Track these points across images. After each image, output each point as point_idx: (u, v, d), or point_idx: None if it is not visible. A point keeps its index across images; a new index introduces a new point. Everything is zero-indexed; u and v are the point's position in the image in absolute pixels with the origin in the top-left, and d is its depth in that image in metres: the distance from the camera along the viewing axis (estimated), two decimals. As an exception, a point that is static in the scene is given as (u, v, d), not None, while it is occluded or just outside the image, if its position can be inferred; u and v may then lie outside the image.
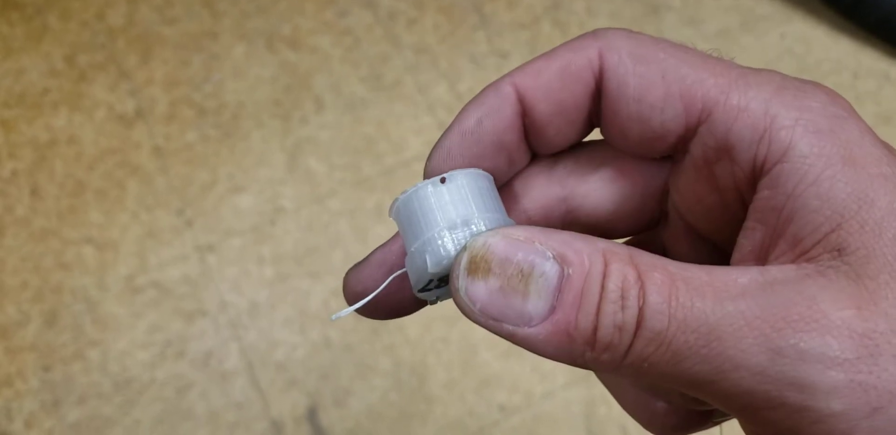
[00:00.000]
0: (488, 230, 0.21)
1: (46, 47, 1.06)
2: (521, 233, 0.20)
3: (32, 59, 1.05)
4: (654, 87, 0.21)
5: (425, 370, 0.91)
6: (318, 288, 0.94)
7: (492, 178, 0.23)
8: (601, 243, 0.20)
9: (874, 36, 1.07)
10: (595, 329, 0.19)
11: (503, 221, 0.22)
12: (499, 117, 0.22)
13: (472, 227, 0.21)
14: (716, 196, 0.22)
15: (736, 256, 0.21)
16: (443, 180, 0.22)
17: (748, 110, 0.20)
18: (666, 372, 0.18)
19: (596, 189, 0.24)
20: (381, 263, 0.24)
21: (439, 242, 0.21)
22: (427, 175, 0.23)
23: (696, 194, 0.23)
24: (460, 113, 0.23)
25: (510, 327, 0.20)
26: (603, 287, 0.19)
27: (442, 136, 0.23)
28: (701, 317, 0.18)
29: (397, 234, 0.24)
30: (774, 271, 0.19)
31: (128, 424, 0.88)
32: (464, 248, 0.20)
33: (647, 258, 0.19)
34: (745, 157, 0.20)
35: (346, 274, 0.25)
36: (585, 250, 0.19)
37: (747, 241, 0.20)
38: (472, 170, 0.22)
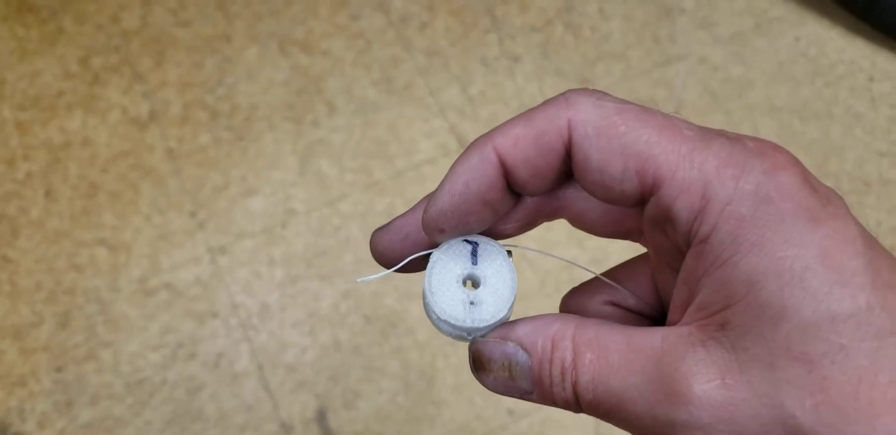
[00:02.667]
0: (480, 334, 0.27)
1: (61, 50, 1.07)
2: (496, 334, 0.27)
3: (47, 61, 1.06)
4: (613, 161, 0.24)
5: (434, 373, 0.91)
6: (328, 290, 0.94)
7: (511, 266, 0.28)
8: (553, 327, 0.26)
9: (890, 38, 1.06)
10: (556, 401, 0.26)
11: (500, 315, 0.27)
12: (483, 181, 0.26)
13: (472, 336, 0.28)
14: (668, 244, 0.25)
15: (672, 303, 0.25)
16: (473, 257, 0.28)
17: (688, 192, 0.23)
18: (609, 421, 0.25)
19: (583, 197, 0.28)
20: (400, 229, 0.29)
21: (450, 328, 0.28)
22: (423, 225, 0.27)
23: (654, 239, 0.26)
24: (450, 173, 0.26)
25: (519, 396, 0.27)
26: (550, 374, 0.25)
27: (436, 193, 0.27)
28: (611, 391, 0.24)
29: (418, 203, 0.28)
30: (674, 341, 0.23)
31: (139, 425, 0.89)
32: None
33: (587, 333, 0.25)
34: (682, 230, 0.23)
35: (372, 234, 0.30)
36: (539, 340, 0.26)
37: (676, 296, 0.25)
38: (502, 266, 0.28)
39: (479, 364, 0.27)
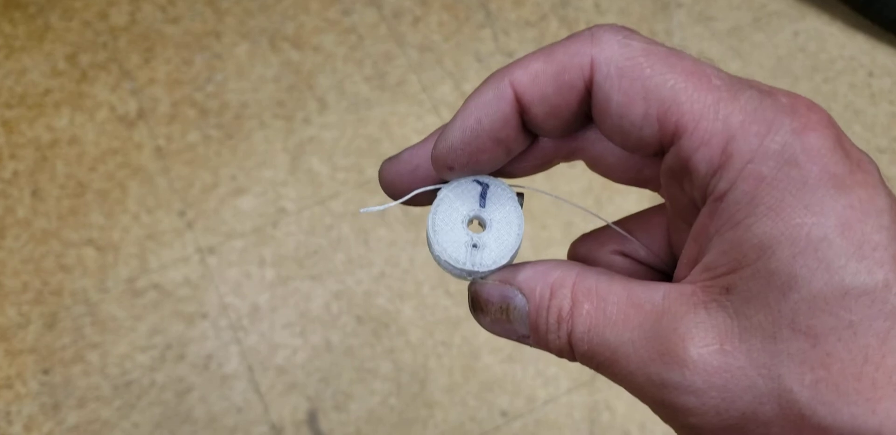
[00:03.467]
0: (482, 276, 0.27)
1: (48, 47, 1.05)
2: (498, 277, 0.26)
3: (34, 58, 1.04)
4: (635, 106, 0.22)
5: (426, 374, 0.89)
6: (319, 291, 0.93)
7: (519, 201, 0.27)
8: (553, 274, 0.25)
9: (890, 33, 1.04)
10: (551, 348, 0.25)
11: (506, 256, 0.27)
12: (497, 117, 0.24)
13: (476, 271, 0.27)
14: (684, 198, 0.24)
15: (681, 259, 0.25)
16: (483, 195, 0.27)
17: (709, 145, 0.21)
18: (603, 374, 0.24)
19: (602, 139, 0.26)
20: (409, 161, 0.27)
21: (450, 268, 0.27)
22: (432, 161, 0.26)
23: (671, 191, 0.25)
24: (463, 108, 0.25)
25: (516, 339, 0.26)
26: (547, 321, 0.24)
27: (446, 128, 0.25)
28: (607, 344, 0.23)
29: (431, 134, 0.27)
30: (675, 299, 0.22)
31: (127, 428, 0.87)
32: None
33: (587, 283, 0.24)
34: (699, 185, 0.22)
35: (382, 164, 0.28)
36: (539, 286, 0.25)
37: (686, 252, 0.24)
38: (509, 199, 0.27)
39: (477, 305, 0.26)
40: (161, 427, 0.87)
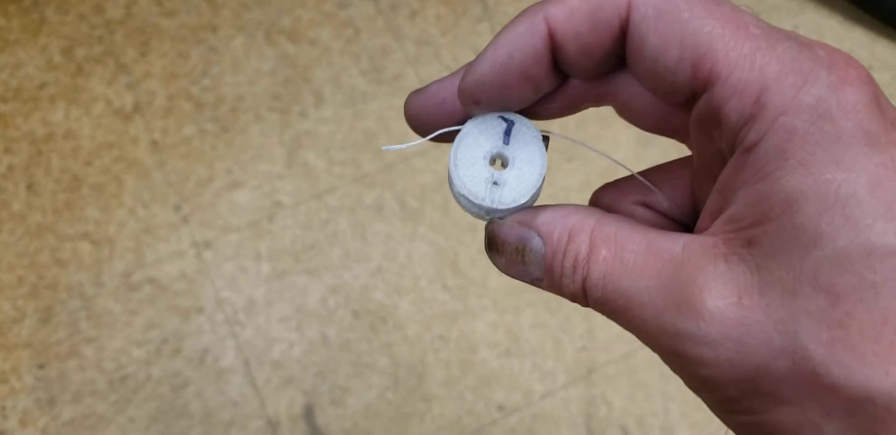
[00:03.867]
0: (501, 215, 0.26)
1: (43, 40, 1.05)
2: (517, 218, 0.26)
3: (29, 52, 1.04)
4: (670, 49, 0.22)
5: (424, 369, 0.89)
6: (315, 285, 0.92)
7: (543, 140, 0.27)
8: (572, 219, 0.25)
9: (889, 26, 1.04)
10: (564, 293, 0.25)
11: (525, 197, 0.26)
12: (528, 53, 0.24)
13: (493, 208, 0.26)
14: (713, 148, 0.24)
15: (704, 210, 0.24)
16: (507, 135, 0.26)
17: (742, 95, 0.21)
18: (615, 321, 0.24)
19: (634, 84, 0.26)
20: (436, 94, 0.27)
21: (469, 205, 0.27)
22: (459, 94, 0.26)
23: (699, 141, 0.25)
24: (494, 41, 0.24)
25: (530, 281, 0.26)
26: (563, 265, 0.24)
27: (476, 60, 0.25)
28: (622, 291, 0.23)
29: (460, 69, 0.26)
30: (696, 249, 0.22)
31: (122, 423, 0.87)
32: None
33: (606, 229, 0.24)
34: (728, 135, 0.22)
35: (408, 97, 0.27)
36: (557, 229, 0.25)
37: (710, 203, 0.23)
38: (533, 136, 0.26)
39: (493, 245, 0.26)
40: (157, 422, 0.87)
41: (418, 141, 0.28)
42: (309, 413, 0.87)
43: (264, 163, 0.98)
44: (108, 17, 1.06)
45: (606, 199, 0.29)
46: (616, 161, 0.29)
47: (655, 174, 0.29)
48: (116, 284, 0.92)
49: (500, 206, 0.26)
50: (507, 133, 0.26)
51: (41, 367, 0.89)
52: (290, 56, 1.03)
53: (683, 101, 0.24)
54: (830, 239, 0.19)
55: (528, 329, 0.90)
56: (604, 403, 0.87)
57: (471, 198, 0.26)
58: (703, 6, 0.22)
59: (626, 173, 0.29)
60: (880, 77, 1.02)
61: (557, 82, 0.26)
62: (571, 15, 0.23)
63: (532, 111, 0.27)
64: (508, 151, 0.26)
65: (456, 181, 0.26)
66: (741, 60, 0.21)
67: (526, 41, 0.24)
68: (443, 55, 1.03)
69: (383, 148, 0.27)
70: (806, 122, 0.20)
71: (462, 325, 0.90)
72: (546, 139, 0.27)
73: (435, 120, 0.27)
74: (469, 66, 0.25)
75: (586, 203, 0.29)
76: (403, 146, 0.28)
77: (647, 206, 0.28)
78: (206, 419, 0.87)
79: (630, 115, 0.27)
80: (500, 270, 0.27)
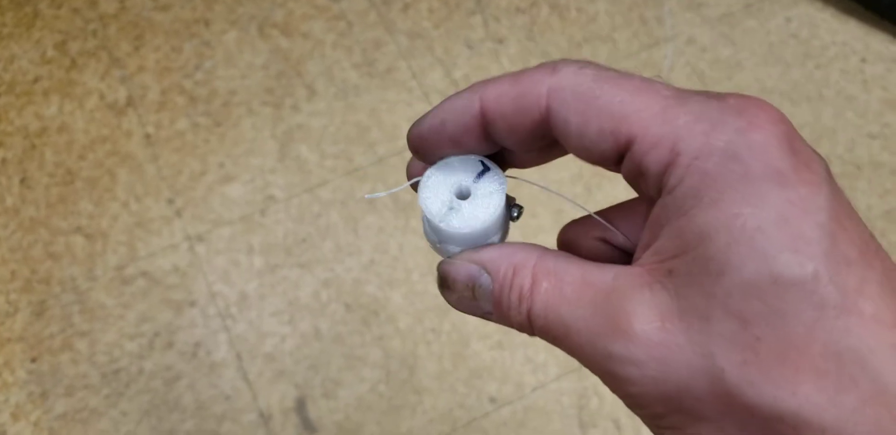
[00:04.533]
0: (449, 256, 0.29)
1: (37, 34, 1.05)
2: (465, 256, 0.28)
3: (23, 46, 1.04)
4: (590, 124, 0.24)
5: (415, 361, 0.89)
6: (308, 278, 0.92)
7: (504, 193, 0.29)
8: (517, 256, 0.27)
9: (884, 19, 1.03)
10: (512, 323, 0.27)
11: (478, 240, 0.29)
12: (459, 124, 0.27)
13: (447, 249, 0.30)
14: (645, 194, 0.26)
15: (639, 245, 0.26)
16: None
17: (659, 146, 0.23)
18: (558, 347, 0.25)
19: None
20: (436, 115, 0.28)
21: (427, 225, 0.30)
22: (408, 141, 0.29)
23: (635, 189, 0.27)
24: (436, 107, 0.28)
25: (480, 316, 0.28)
26: (509, 298, 0.26)
27: (419, 118, 0.28)
28: (561, 319, 0.25)
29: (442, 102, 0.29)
30: (625, 279, 0.24)
31: (115, 416, 0.87)
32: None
33: (546, 264, 0.26)
34: (652, 183, 0.24)
35: (410, 128, 0.29)
36: (503, 266, 0.27)
37: (642, 239, 0.25)
38: (496, 190, 0.29)
39: (445, 283, 0.28)
40: (149, 415, 0.87)
41: (402, 186, 0.31)
42: (301, 406, 0.87)
43: (257, 157, 0.98)
44: (102, 10, 1.06)
45: (570, 237, 0.32)
46: (575, 202, 0.31)
47: (615, 212, 0.31)
48: (109, 277, 0.92)
49: (447, 228, 0.28)
50: (479, 176, 0.29)
51: (34, 360, 0.89)
52: (282, 50, 1.03)
53: (615, 164, 0.26)
54: (738, 268, 0.21)
55: (521, 322, 0.90)
56: (595, 395, 0.87)
57: (427, 214, 0.28)
58: (614, 82, 0.25)
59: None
60: (874, 69, 1.02)
61: (489, 151, 0.29)
62: (500, 98, 0.26)
63: (511, 161, 0.30)
64: (473, 188, 0.29)
65: (420, 198, 0.29)
66: (653, 119, 0.23)
67: (459, 114, 0.27)
68: (435, 48, 1.03)
69: (366, 196, 0.32)
70: (717, 164, 0.22)
71: (454, 317, 0.90)
72: (519, 208, 0.30)
73: (436, 142, 0.29)
74: (411, 127, 0.28)
75: (578, 192, 0.31)
76: (388, 193, 0.31)
77: (606, 241, 0.30)
78: (199, 412, 0.87)
79: (590, 162, 0.30)
80: (453, 306, 0.29)
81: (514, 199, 0.30)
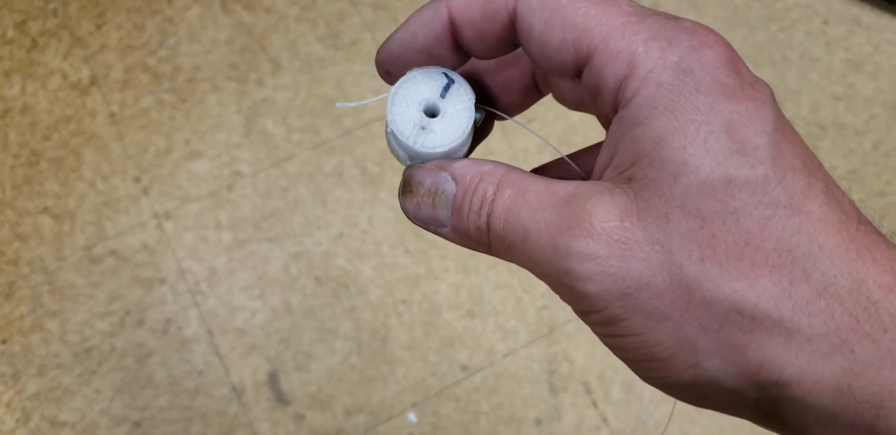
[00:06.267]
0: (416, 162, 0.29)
1: (-4, 15, 1.03)
2: (434, 163, 0.28)
3: (-18, 27, 1.03)
4: (553, 33, 0.25)
5: (387, 332, 0.89)
6: (277, 253, 0.92)
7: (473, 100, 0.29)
8: (485, 167, 0.27)
9: (846, -20, 1.03)
10: (469, 230, 0.27)
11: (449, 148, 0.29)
12: (431, 34, 0.27)
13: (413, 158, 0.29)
14: (603, 118, 0.27)
15: (596, 167, 0.27)
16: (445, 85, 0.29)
17: (616, 60, 0.24)
18: (512, 256, 0.26)
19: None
20: (405, 28, 0.29)
21: (395, 144, 0.29)
22: (376, 65, 0.29)
23: (595, 110, 0.28)
24: (404, 22, 0.28)
25: (433, 228, 0.28)
26: (471, 202, 0.26)
27: (388, 38, 0.28)
28: (521, 222, 0.25)
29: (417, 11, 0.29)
30: (586, 187, 0.25)
31: (88, 394, 0.87)
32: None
33: (513, 176, 0.26)
34: (609, 98, 0.25)
35: (378, 50, 0.30)
36: (469, 173, 0.27)
37: (599, 160, 0.26)
38: (466, 97, 0.29)
39: (407, 187, 0.28)
40: (122, 392, 0.87)
41: (375, 98, 0.31)
42: (273, 379, 0.87)
43: (222, 132, 0.97)
44: (61, -11, 1.05)
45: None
46: (547, 142, 0.32)
47: (585, 153, 0.32)
48: (78, 257, 0.92)
49: (421, 149, 0.28)
50: (446, 88, 0.29)
51: (4, 342, 0.89)
52: (245, 24, 1.03)
53: (573, 77, 0.27)
54: (694, 168, 0.22)
55: (491, 290, 0.91)
56: (565, 360, 0.88)
57: (398, 135, 0.28)
58: None
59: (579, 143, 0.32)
60: (836, 31, 1.02)
61: (462, 62, 0.29)
62: (468, 4, 0.27)
63: (497, 106, 0.31)
64: (441, 105, 0.29)
65: (389, 117, 0.28)
66: (613, 32, 0.24)
67: (429, 24, 0.27)
68: (400, 19, 1.02)
69: (338, 105, 0.31)
70: (671, 76, 0.23)
71: (424, 287, 0.91)
72: (479, 106, 0.30)
73: (407, 54, 0.29)
74: (383, 43, 0.29)
75: (544, 161, 0.31)
76: (358, 104, 0.31)
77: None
78: (172, 388, 0.87)
79: (560, 98, 0.30)
80: (408, 214, 0.29)
81: (488, 111, 0.31)
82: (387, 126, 0.29)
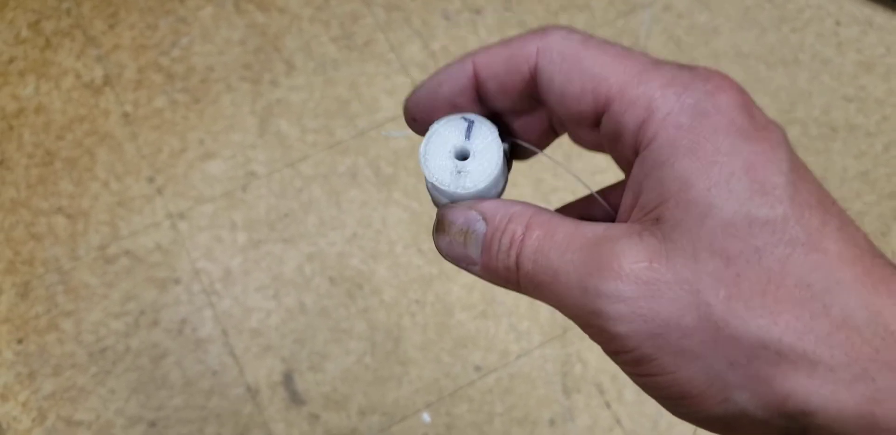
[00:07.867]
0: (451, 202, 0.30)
1: (10, 14, 1.04)
2: (466, 203, 0.29)
3: (-4, 27, 1.03)
4: (572, 83, 0.27)
5: (400, 333, 0.90)
6: (291, 253, 0.93)
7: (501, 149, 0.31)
8: (514, 208, 0.28)
9: (858, -19, 1.04)
10: (498, 269, 0.27)
11: (482, 189, 0.30)
12: (455, 85, 0.29)
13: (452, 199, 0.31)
14: (624, 159, 0.28)
15: (620, 210, 0.28)
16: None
17: (635, 106, 0.25)
18: (541, 295, 0.26)
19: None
20: (433, 79, 0.31)
21: (437, 193, 0.31)
22: (403, 112, 0.31)
23: (615, 155, 0.29)
24: (433, 74, 0.30)
25: (465, 266, 0.29)
26: (500, 242, 0.27)
27: (417, 86, 0.30)
28: (550, 263, 0.26)
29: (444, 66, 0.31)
30: (615, 229, 0.25)
31: (103, 394, 0.88)
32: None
33: (541, 217, 0.27)
34: (629, 142, 0.26)
35: (408, 97, 0.32)
36: (499, 214, 0.28)
37: (624, 202, 0.27)
38: (494, 145, 0.30)
39: (441, 226, 0.30)
40: (137, 392, 0.88)
41: (402, 133, 0.33)
42: (288, 379, 0.88)
43: (237, 133, 0.98)
44: (75, -11, 1.05)
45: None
46: (575, 175, 0.33)
47: (611, 191, 0.33)
48: (93, 257, 0.92)
49: (462, 191, 0.29)
50: (469, 130, 0.30)
51: (20, 341, 0.89)
52: (259, 25, 1.03)
53: (593, 125, 0.28)
54: (719, 209, 0.23)
55: (504, 291, 0.91)
56: (579, 362, 0.88)
57: (438, 185, 0.29)
58: (598, 47, 0.27)
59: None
60: (848, 32, 1.02)
61: (482, 114, 0.31)
62: (492, 59, 0.28)
63: (516, 152, 0.33)
64: (470, 146, 0.30)
65: (426, 172, 0.30)
66: (630, 80, 0.26)
67: (454, 76, 0.29)
68: (413, 20, 1.03)
69: (383, 133, 0.33)
70: (689, 118, 0.24)
71: (438, 288, 0.91)
72: (512, 145, 0.32)
73: (433, 104, 0.31)
74: (414, 89, 0.30)
75: (559, 160, 0.32)
76: (402, 134, 0.33)
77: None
78: (186, 388, 0.88)
79: (577, 140, 0.32)
80: (441, 251, 0.30)
81: (513, 144, 0.32)
82: (426, 180, 0.31)
